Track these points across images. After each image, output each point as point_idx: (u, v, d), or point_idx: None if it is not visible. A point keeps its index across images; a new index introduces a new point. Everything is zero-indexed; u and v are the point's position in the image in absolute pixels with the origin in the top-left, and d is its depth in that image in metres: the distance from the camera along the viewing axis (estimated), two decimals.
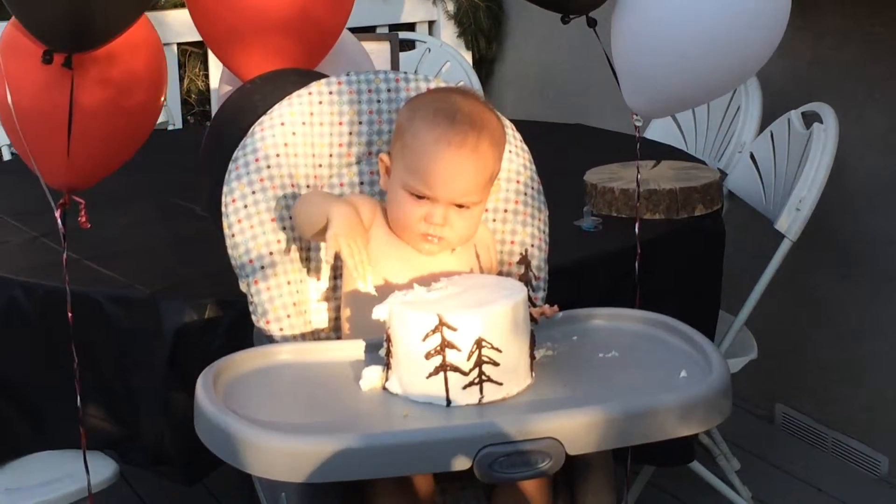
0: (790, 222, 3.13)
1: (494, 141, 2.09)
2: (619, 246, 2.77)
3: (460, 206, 2.07)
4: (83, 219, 2.54)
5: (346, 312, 2.16)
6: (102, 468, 2.65)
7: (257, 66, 2.83)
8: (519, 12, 5.03)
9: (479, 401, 1.85)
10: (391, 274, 2.10)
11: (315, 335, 2.21)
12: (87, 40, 2.32)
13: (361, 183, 2.27)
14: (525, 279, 1.99)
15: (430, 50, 4.72)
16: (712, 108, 3.84)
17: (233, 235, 2.16)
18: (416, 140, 2.06)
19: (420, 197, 2.06)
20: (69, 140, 2.34)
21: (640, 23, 2.43)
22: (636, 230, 2.57)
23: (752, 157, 3.49)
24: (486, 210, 2.26)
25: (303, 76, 2.53)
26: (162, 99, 2.61)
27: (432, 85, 2.28)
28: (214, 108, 3.36)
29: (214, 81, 4.81)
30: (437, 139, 2.04)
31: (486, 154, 2.06)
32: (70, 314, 2.41)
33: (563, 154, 3.51)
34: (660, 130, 3.92)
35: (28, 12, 2.29)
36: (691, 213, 2.98)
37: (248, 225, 2.16)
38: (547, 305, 2.08)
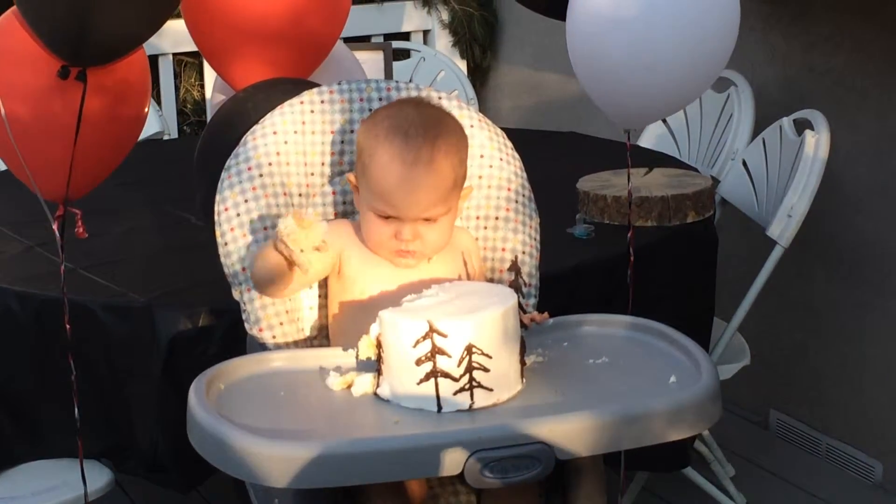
0: (782, 229, 3.15)
1: (451, 150, 2.09)
2: (611, 253, 2.78)
3: (428, 219, 2.08)
4: (80, 229, 2.56)
5: (335, 321, 2.17)
6: (98, 476, 2.65)
7: (252, 76, 2.85)
8: (513, 21, 5.05)
9: (470, 406, 1.86)
10: (381, 283, 2.12)
11: (307, 342, 2.22)
12: (103, 55, 2.35)
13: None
14: (515, 286, 2.01)
15: (424, 59, 4.73)
16: (705, 116, 3.86)
17: (225, 244, 2.17)
18: (373, 161, 2.07)
19: (387, 216, 2.08)
20: (73, 152, 2.36)
21: (590, 43, 2.46)
22: (629, 238, 2.58)
23: (744, 163, 3.50)
24: (478, 218, 2.27)
25: (295, 85, 2.55)
26: (146, 108, 2.63)
27: (423, 93, 2.29)
28: (210, 115, 3.38)
29: (210, 91, 4.82)
30: (392, 158, 2.05)
31: (443, 166, 2.06)
32: (68, 326, 2.43)
33: (556, 162, 3.53)
34: (652, 137, 3.94)
35: (45, 27, 2.32)
36: (683, 220, 2.99)
37: (241, 233, 2.17)
38: (537, 312, 2.10)
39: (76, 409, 2.46)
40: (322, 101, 2.27)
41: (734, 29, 2.48)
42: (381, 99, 2.28)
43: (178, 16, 4.29)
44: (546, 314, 2.09)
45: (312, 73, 3.05)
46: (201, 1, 2.88)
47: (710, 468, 3.48)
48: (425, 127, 2.08)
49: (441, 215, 2.10)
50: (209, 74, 4.78)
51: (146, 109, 2.61)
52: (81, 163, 2.42)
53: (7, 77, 2.42)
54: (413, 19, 5.13)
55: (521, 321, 1.97)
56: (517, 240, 2.27)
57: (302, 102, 2.26)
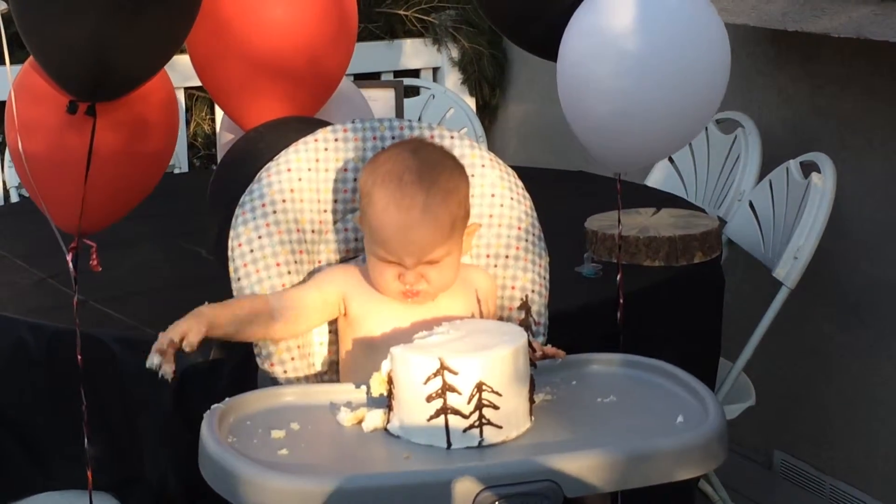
0: (788, 270, 3.17)
1: (447, 192, 2.10)
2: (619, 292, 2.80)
3: (431, 261, 2.10)
4: (94, 262, 2.58)
5: (346, 358, 2.19)
6: None
7: (263, 114, 2.86)
8: (522, 60, 5.08)
9: (479, 443, 1.87)
10: (391, 321, 2.14)
11: (318, 378, 2.24)
12: (111, 90, 2.37)
13: None
14: (525, 324, 2.02)
15: (433, 96, 4.76)
16: (712, 157, 3.89)
17: (238, 279, 2.20)
18: (371, 208, 2.10)
19: (389, 260, 2.10)
20: (85, 187, 2.38)
21: (578, 90, 2.51)
22: (619, 280, 2.62)
23: (751, 205, 3.53)
24: (488, 256, 2.29)
25: (306, 124, 2.57)
26: (170, 145, 2.65)
27: (436, 132, 2.32)
28: (219, 154, 3.37)
29: (219, 128, 4.84)
30: (387, 206, 2.07)
31: (439, 210, 2.08)
32: (79, 357, 2.45)
33: (564, 201, 3.54)
34: (660, 178, 3.97)
35: (53, 63, 2.34)
36: (690, 260, 3.01)
37: (254, 269, 2.19)
38: (551, 347, 2.11)
39: (86, 441, 2.47)
40: (336, 139, 2.29)
41: (724, 78, 2.51)
42: (393, 137, 2.31)
43: (184, 51, 4.34)
44: (562, 353, 2.11)
45: (320, 110, 3.06)
46: (210, 39, 2.89)
47: None
48: (420, 173, 2.09)
49: (443, 256, 2.11)
50: (220, 108, 4.81)
51: (171, 147, 2.63)
52: (97, 197, 2.44)
53: (28, 111, 2.44)
54: (423, 56, 5.16)
55: (531, 359, 1.99)
56: (527, 278, 2.29)
57: (316, 140, 2.29)
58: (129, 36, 2.29)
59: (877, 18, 3.18)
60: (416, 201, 2.07)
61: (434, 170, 2.12)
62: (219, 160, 3.16)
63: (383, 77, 4.97)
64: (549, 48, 2.62)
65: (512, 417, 1.90)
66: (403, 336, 2.02)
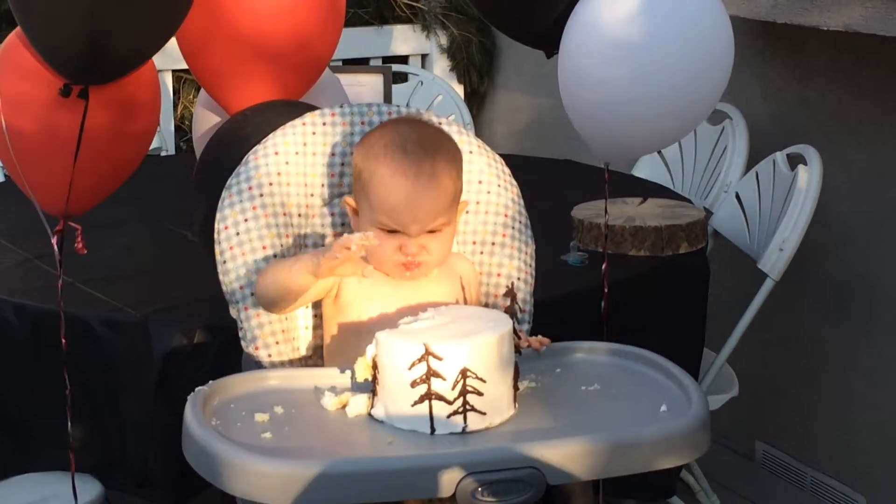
0: (773, 262, 3.18)
1: (450, 161, 2.13)
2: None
3: (432, 231, 2.11)
4: (80, 244, 2.57)
5: (331, 342, 2.19)
6: (89, 489, 2.66)
7: (251, 98, 2.85)
8: (511, 48, 5.08)
9: (463, 430, 1.88)
10: (378, 305, 2.13)
11: (302, 362, 2.24)
12: (105, 73, 2.36)
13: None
14: (511, 311, 2.03)
15: (422, 83, 4.76)
16: (699, 148, 3.89)
17: (224, 262, 2.20)
18: (375, 178, 2.10)
19: (392, 231, 2.11)
20: (73, 169, 2.37)
21: (582, 78, 2.51)
22: (604, 269, 2.62)
23: (737, 197, 3.53)
24: (474, 243, 2.30)
25: (293, 108, 2.57)
26: (154, 126, 2.64)
27: (424, 117, 2.31)
28: (195, 140, 3.30)
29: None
30: (394, 173, 2.08)
31: (444, 176, 2.10)
32: (63, 339, 2.44)
33: (551, 189, 3.55)
34: (647, 168, 3.97)
35: (48, 45, 2.33)
36: (676, 250, 3.02)
37: (240, 252, 2.19)
38: (541, 336, 2.11)
39: (69, 423, 2.47)
40: (324, 123, 2.29)
41: (726, 72, 2.52)
42: (381, 122, 2.30)
43: None
44: (547, 340, 2.11)
45: (309, 89, 3.06)
46: (199, 23, 2.88)
47: (695, 498, 3.49)
48: (423, 143, 2.11)
49: (444, 226, 2.13)
50: (206, 92, 4.79)
51: (154, 127, 2.63)
52: (85, 178, 2.43)
53: (13, 90, 2.43)
54: (411, 43, 5.16)
55: (517, 346, 1.99)
56: (512, 265, 2.29)
57: (304, 124, 2.28)
58: (125, 19, 2.29)
59: (866, 12, 3.19)
60: (423, 169, 2.09)
61: (435, 140, 2.14)
62: (195, 146, 3.16)
63: (371, 63, 4.96)
64: (541, 39, 2.62)
65: (496, 404, 1.90)
66: (389, 321, 2.02)
